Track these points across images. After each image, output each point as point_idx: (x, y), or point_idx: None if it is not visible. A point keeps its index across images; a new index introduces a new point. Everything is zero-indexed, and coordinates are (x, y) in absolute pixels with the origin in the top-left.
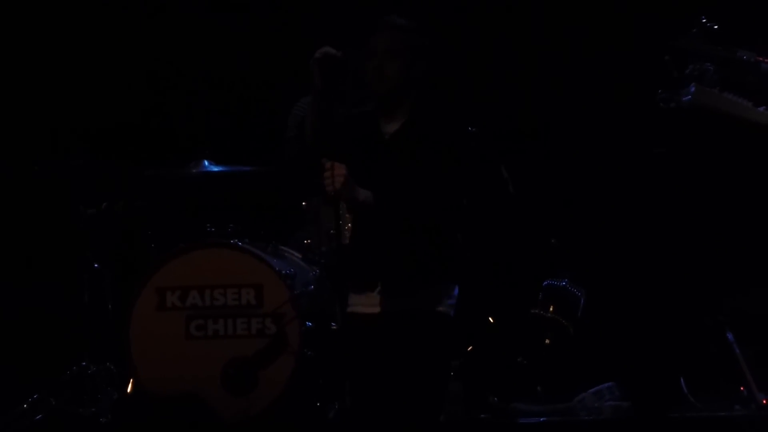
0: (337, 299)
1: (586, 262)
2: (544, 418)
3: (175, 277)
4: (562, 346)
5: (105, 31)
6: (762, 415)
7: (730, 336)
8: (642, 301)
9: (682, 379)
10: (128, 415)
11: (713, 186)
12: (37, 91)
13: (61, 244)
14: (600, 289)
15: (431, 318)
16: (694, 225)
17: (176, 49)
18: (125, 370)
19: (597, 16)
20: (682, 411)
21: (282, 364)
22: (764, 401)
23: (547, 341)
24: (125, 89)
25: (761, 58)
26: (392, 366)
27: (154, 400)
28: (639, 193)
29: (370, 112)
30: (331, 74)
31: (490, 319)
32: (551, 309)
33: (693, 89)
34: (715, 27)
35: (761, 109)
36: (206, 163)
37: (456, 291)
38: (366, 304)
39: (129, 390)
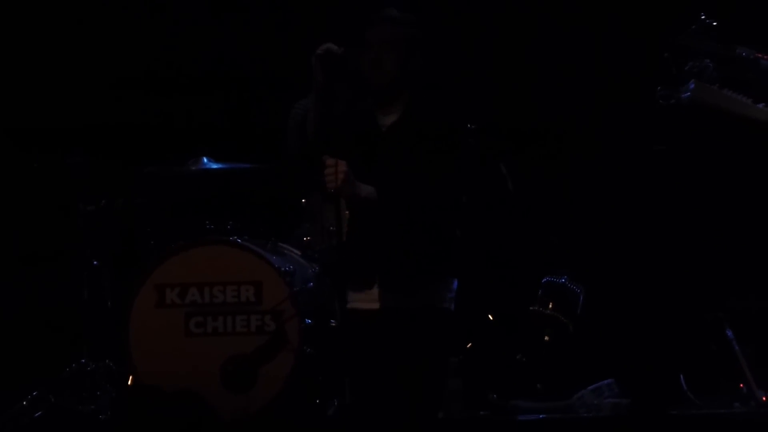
0: (336, 296)
1: (586, 259)
2: (544, 415)
3: (175, 274)
4: (561, 343)
5: (104, 29)
6: (761, 413)
7: (729, 333)
8: (641, 298)
9: (681, 377)
10: (127, 413)
11: (713, 183)
12: (36, 89)
13: (60, 241)
14: (599, 286)
15: (430, 314)
16: (694, 222)
17: (175, 47)
18: (124, 367)
19: (597, 12)
20: (681, 408)
21: (281, 362)
22: (764, 398)
23: (546, 338)
24: (124, 87)
25: (760, 55)
26: (391, 362)
27: (154, 398)
28: (638, 191)
29: (367, 106)
30: (333, 70)
31: (490, 316)
32: (550, 306)
33: (692, 86)
34: (715, 24)
35: (761, 105)
36: (205, 160)
37: (455, 287)
38: (365, 300)
39: (128, 387)
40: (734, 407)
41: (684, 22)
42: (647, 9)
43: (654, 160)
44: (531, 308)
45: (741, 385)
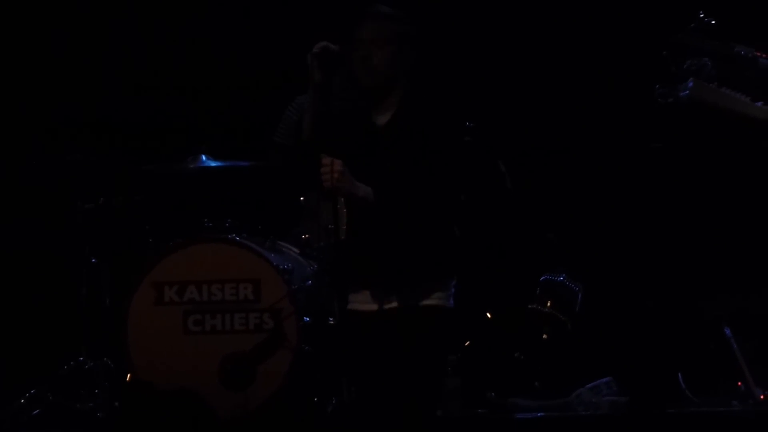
0: (335, 294)
1: (584, 257)
2: (542, 414)
3: (173, 272)
4: (559, 341)
5: (103, 27)
6: (760, 411)
7: (727, 331)
8: (640, 296)
9: (679, 375)
10: (125, 411)
11: (711, 181)
12: (34, 87)
13: (58, 239)
14: (597, 284)
15: (429, 312)
16: (692, 220)
17: (174, 45)
18: (123, 365)
19: (595, 10)
20: (679, 406)
21: (280, 360)
22: (762, 397)
23: (544, 336)
24: (123, 84)
25: (759, 54)
26: (390, 361)
27: (152, 395)
28: (636, 189)
29: (363, 104)
30: (329, 69)
31: (488, 314)
32: (549, 304)
33: (691, 84)
34: (713, 22)
35: (759, 104)
36: (204, 158)
37: (453, 285)
38: (364, 300)
39: (126, 385)
40: (732, 405)
41: (682, 21)
42: (646, 7)
43: (652, 158)
44: (529, 306)
45: (739, 383)
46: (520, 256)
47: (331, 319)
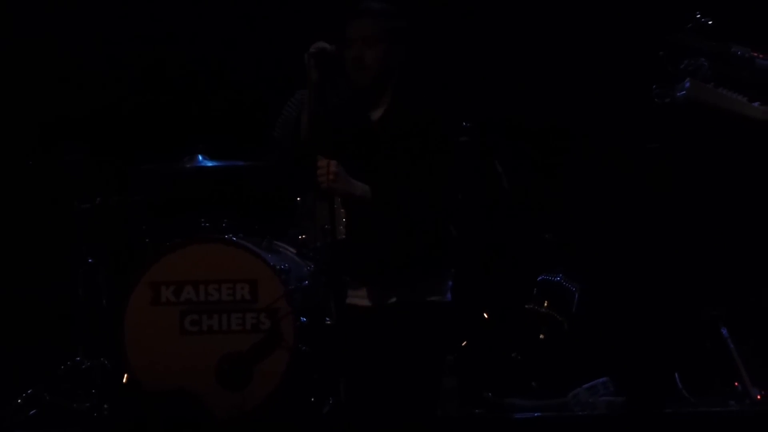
0: (332, 294)
1: (581, 258)
2: (539, 414)
3: (170, 272)
4: (556, 342)
5: (100, 26)
6: (756, 411)
7: (724, 331)
8: (637, 296)
9: (676, 375)
10: (122, 410)
11: (708, 181)
12: (31, 86)
13: (55, 238)
14: (594, 284)
15: (427, 309)
16: (689, 220)
17: (171, 44)
18: (119, 365)
19: (592, 10)
20: (676, 406)
21: (276, 359)
22: (758, 396)
23: (541, 336)
24: (120, 84)
25: (756, 54)
26: (388, 357)
27: (149, 395)
28: (633, 189)
29: (358, 103)
30: (326, 68)
31: (485, 314)
32: (546, 304)
33: (688, 84)
34: (710, 22)
35: (756, 104)
36: (200, 157)
37: (450, 282)
38: (362, 296)
39: (123, 385)
40: (729, 405)
41: (679, 21)
42: (643, 7)
43: (649, 158)
44: (526, 306)
45: (736, 383)
46: (517, 256)
47: (327, 319)
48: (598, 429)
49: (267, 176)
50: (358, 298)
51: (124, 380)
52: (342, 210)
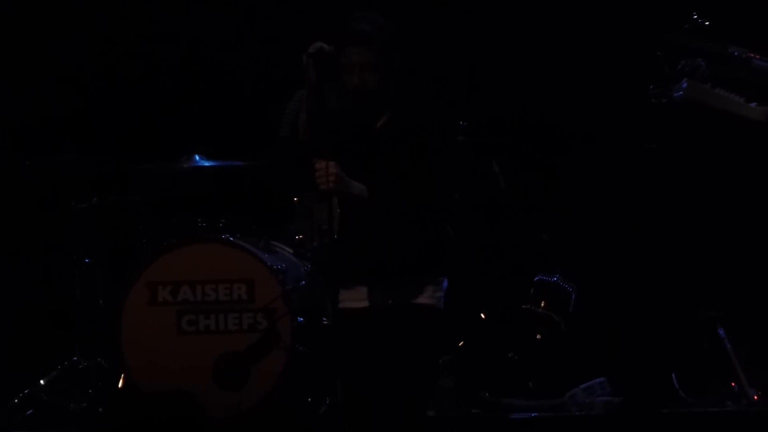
0: (329, 295)
1: (578, 258)
2: (536, 414)
3: (167, 272)
4: (553, 342)
5: (97, 26)
6: (753, 411)
7: (721, 332)
8: (634, 296)
9: (673, 375)
10: (119, 410)
11: (705, 182)
12: (29, 86)
13: (52, 238)
14: (591, 285)
15: (421, 311)
16: (686, 221)
17: (169, 45)
18: (116, 365)
19: (589, 10)
20: (673, 407)
21: (273, 360)
22: (755, 397)
23: (538, 336)
24: (117, 84)
25: (753, 54)
26: (382, 360)
27: (145, 395)
28: (631, 189)
29: (356, 103)
30: (324, 69)
31: (482, 314)
32: (542, 304)
33: (685, 85)
34: (707, 23)
35: (753, 104)
36: (197, 157)
37: (445, 284)
38: (356, 299)
39: (120, 385)
40: (726, 406)
41: (677, 21)
42: (640, 8)
43: (646, 158)
44: (523, 307)
45: (733, 383)
46: (514, 257)
47: (324, 319)
48: (595, 429)
49: (264, 176)
50: (351, 300)
51: (121, 380)
52: (337, 210)
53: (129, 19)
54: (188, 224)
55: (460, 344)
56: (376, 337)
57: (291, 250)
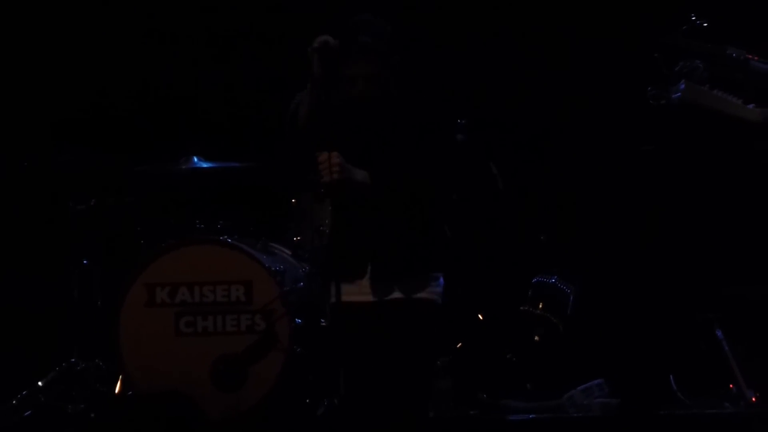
0: (327, 296)
1: (576, 259)
2: (534, 415)
3: (165, 273)
4: (551, 343)
5: (95, 27)
6: (751, 413)
7: (719, 333)
8: (632, 298)
9: (671, 377)
10: (117, 412)
11: (703, 183)
12: (26, 87)
13: (50, 240)
14: (589, 286)
15: (421, 305)
16: (684, 222)
17: (167, 45)
18: (114, 366)
19: (587, 12)
20: (671, 408)
21: (271, 361)
22: (753, 399)
23: (536, 338)
24: (116, 85)
25: (751, 56)
26: (380, 355)
27: (144, 397)
28: (629, 190)
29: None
30: (329, 63)
31: (480, 315)
32: (540, 306)
33: (683, 86)
34: (705, 24)
35: (751, 106)
36: (196, 159)
37: (442, 281)
38: (356, 292)
39: (118, 387)
40: (724, 407)
41: (675, 23)
42: (638, 9)
43: (644, 160)
44: (521, 308)
45: (731, 385)
46: (512, 258)
47: (322, 320)
48: (593, 431)
49: (262, 178)
50: (351, 294)
51: (119, 382)
52: (329, 208)
53: (128, 19)
54: (186, 226)
55: (458, 345)
56: (376, 330)
57: (289, 252)
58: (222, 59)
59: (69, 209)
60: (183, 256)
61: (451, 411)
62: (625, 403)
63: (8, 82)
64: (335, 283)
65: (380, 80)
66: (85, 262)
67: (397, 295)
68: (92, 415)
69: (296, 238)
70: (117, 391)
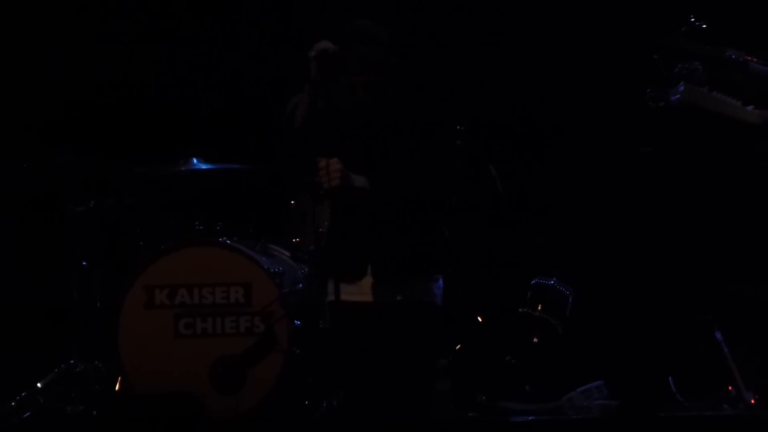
0: (326, 296)
1: (575, 261)
2: (533, 417)
3: (164, 275)
4: (550, 345)
5: (94, 28)
6: (750, 415)
7: (718, 335)
8: (631, 299)
9: (670, 379)
10: (116, 414)
11: (702, 185)
12: (25, 88)
13: (49, 241)
14: (588, 288)
15: (418, 308)
16: (683, 224)
17: (166, 47)
18: (114, 368)
19: (586, 14)
20: (670, 410)
21: (270, 363)
22: (752, 401)
23: (535, 340)
24: (115, 86)
25: (750, 58)
26: (379, 357)
27: (143, 399)
28: (628, 192)
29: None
30: (328, 69)
31: (479, 317)
32: (540, 308)
33: (682, 88)
34: (704, 26)
35: (750, 108)
36: (195, 161)
37: (441, 283)
38: (356, 292)
39: (117, 388)
40: (723, 409)
41: (674, 25)
42: (637, 11)
43: (643, 162)
44: (520, 310)
45: (730, 387)
46: (511, 260)
47: (321, 322)
48: None
49: (262, 179)
50: (350, 293)
51: (118, 383)
52: (328, 210)
53: (128, 20)
54: (185, 227)
55: (458, 347)
56: (376, 332)
57: (288, 253)
58: (222, 60)
59: (68, 210)
60: (182, 257)
61: (450, 413)
62: (625, 405)
63: (7, 82)
64: (333, 282)
65: (379, 87)
66: (84, 263)
67: (396, 297)
68: (95, 413)
69: (295, 239)
70: (116, 393)
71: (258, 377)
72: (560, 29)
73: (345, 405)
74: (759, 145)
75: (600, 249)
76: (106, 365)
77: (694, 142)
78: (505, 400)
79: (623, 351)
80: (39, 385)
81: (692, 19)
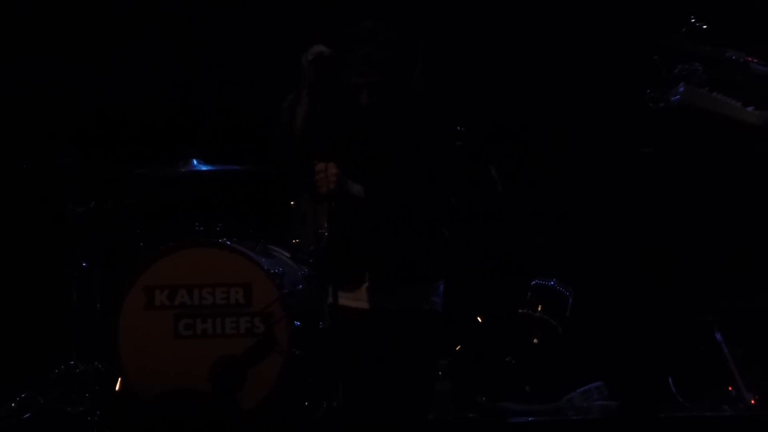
0: (326, 298)
1: (575, 262)
2: (533, 418)
3: (164, 276)
4: (550, 346)
5: (94, 29)
6: (750, 415)
7: (718, 336)
8: (631, 300)
9: (670, 379)
10: (116, 414)
11: (702, 186)
12: (25, 89)
13: (49, 242)
14: (588, 289)
15: (417, 315)
16: (683, 225)
17: (166, 47)
18: (113, 369)
19: (586, 15)
20: (670, 411)
21: (270, 364)
22: (752, 401)
23: (535, 341)
24: (115, 87)
25: (750, 58)
26: (380, 362)
27: (143, 399)
28: (628, 193)
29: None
30: (324, 72)
31: (479, 318)
32: (539, 308)
33: (682, 89)
34: (704, 27)
35: (750, 108)
36: (195, 162)
37: (442, 288)
38: (354, 298)
39: (117, 389)
40: (723, 410)
41: (674, 25)
42: (637, 12)
43: (643, 162)
44: (520, 311)
45: (730, 387)
46: (511, 261)
47: (321, 323)
48: None
49: (261, 180)
50: (349, 299)
51: (118, 384)
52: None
53: (127, 21)
54: (185, 228)
55: (457, 348)
56: (375, 339)
57: (288, 254)
58: (222, 61)
59: (68, 211)
60: (182, 258)
61: (450, 414)
62: (625, 406)
63: (7, 83)
64: (333, 286)
65: (385, 88)
66: (84, 264)
67: (396, 304)
68: (98, 412)
69: (295, 240)
70: (116, 393)
71: (258, 378)
72: (560, 30)
73: (344, 407)
74: (759, 146)
75: (600, 250)
76: (106, 366)
77: (694, 143)
78: (505, 401)
79: (623, 352)
80: (39, 385)
81: (692, 20)
